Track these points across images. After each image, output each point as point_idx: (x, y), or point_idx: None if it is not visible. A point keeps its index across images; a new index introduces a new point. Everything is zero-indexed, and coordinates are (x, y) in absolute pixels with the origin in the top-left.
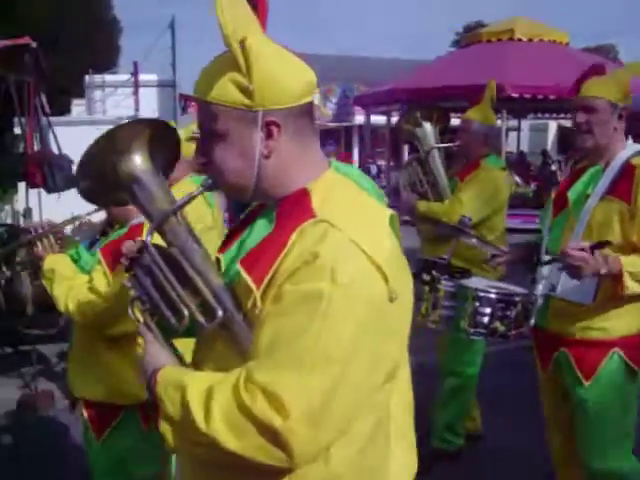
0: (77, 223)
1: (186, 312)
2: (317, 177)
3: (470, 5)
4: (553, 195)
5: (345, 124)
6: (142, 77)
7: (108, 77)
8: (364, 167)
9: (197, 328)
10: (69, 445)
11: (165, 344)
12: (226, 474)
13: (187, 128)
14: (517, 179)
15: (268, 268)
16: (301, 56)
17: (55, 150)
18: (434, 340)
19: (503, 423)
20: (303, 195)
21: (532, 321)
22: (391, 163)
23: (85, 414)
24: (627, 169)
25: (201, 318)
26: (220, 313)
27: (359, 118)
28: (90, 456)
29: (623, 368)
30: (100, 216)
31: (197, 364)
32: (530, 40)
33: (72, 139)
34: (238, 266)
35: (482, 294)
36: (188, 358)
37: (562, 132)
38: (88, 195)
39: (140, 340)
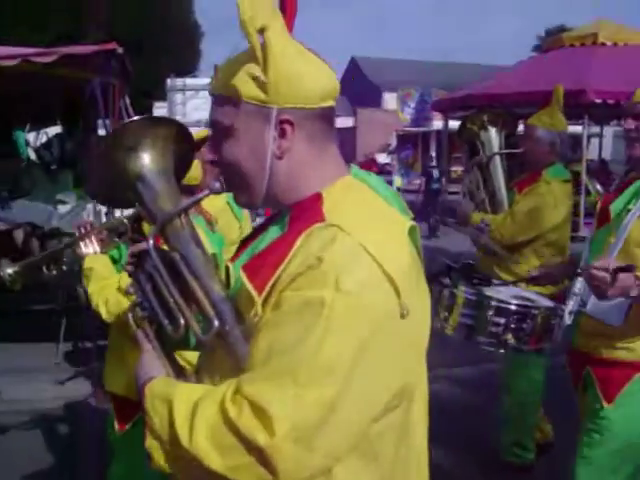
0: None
1: (182, 321)
2: (333, 183)
3: (553, 9)
4: (598, 207)
5: (423, 129)
6: None
7: (189, 81)
8: (428, 172)
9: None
10: None
11: (162, 354)
12: None
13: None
14: (598, 187)
15: (271, 274)
16: (378, 60)
17: None
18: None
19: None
20: (315, 200)
21: (556, 337)
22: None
23: (112, 406)
24: None
25: (197, 328)
26: (216, 323)
27: (437, 123)
28: (112, 447)
29: None
30: None
31: (198, 377)
32: (615, 44)
33: None
34: (240, 272)
35: (495, 303)
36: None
37: None
38: (101, 196)
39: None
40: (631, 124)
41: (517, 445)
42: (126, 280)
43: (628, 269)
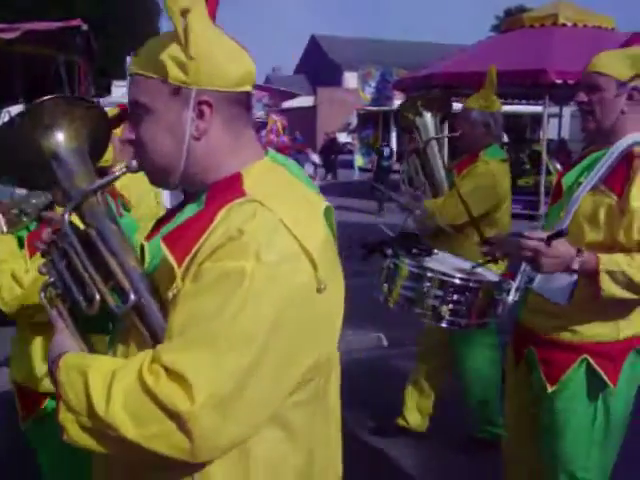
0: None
1: (97, 296)
2: (252, 164)
3: None
4: (554, 183)
5: (384, 108)
6: None
7: None
8: (380, 150)
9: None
10: None
11: (77, 333)
12: (137, 471)
13: None
14: (558, 166)
15: (191, 247)
16: (338, 39)
17: None
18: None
19: None
20: (235, 179)
21: (500, 313)
22: None
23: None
24: (626, 157)
25: (112, 302)
26: (132, 297)
27: (398, 103)
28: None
29: (591, 378)
30: None
31: (113, 352)
32: (575, 25)
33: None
34: (161, 244)
35: (433, 275)
36: None
37: None
38: (15, 177)
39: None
40: (583, 97)
41: (486, 422)
42: (21, 266)
43: (559, 234)
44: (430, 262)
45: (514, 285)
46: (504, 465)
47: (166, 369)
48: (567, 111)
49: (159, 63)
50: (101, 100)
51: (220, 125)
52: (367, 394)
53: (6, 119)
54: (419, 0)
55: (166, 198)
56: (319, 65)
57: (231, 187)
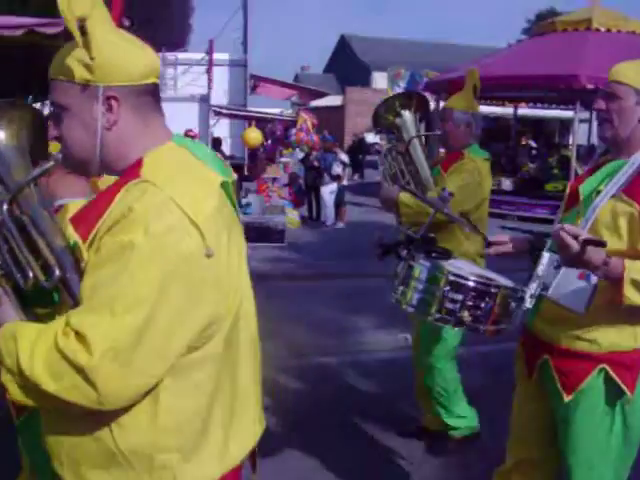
0: None
1: (31, 273)
2: (156, 148)
3: None
4: (567, 189)
5: None
6: (214, 56)
7: (181, 55)
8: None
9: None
10: None
11: (19, 307)
12: (65, 422)
13: None
14: None
15: (94, 224)
16: (368, 39)
17: None
18: None
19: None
20: (137, 163)
21: (515, 320)
22: None
23: None
24: None
25: (42, 277)
26: (57, 272)
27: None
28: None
29: (609, 387)
30: None
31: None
32: (608, 30)
33: None
34: (67, 223)
35: (453, 278)
36: None
37: None
38: None
39: None
40: (601, 104)
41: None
42: None
43: (599, 244)
44: (448, 266)
45: (529, 292)
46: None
47: (74, 330)
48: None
49: (67, 66)
50: None
51: (128, 115)
52: (391, 395)
53: (46, 111)
54: (450, 1)
55: None
56: (348, 65)
57: (132, 170)
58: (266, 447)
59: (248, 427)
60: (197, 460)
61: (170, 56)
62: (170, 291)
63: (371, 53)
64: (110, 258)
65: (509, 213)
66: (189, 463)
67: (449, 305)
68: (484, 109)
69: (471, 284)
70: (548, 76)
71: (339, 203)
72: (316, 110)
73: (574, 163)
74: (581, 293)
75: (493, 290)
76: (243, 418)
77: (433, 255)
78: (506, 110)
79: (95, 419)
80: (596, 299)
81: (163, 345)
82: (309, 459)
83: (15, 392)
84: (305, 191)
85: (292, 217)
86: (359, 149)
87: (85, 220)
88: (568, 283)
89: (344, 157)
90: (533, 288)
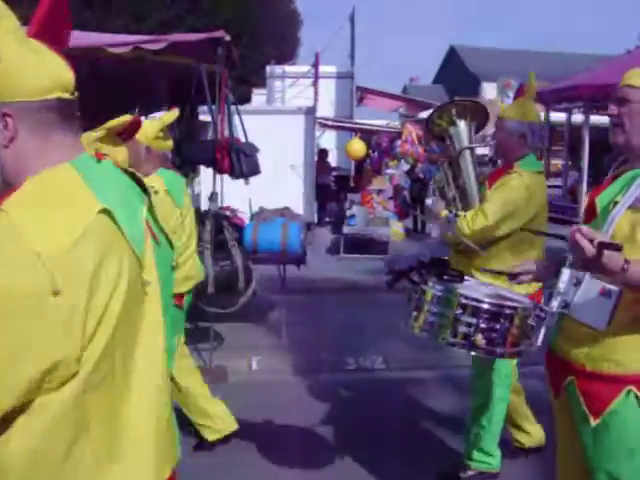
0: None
1: None
2: (45, 169)
3: None
4: (586, 201)
5: None
6: (321, 68)
7: (288, 68)
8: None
9: None
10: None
11: None
12: None
13: (159, 120)
14: None
15: None
16: (478, 50)
17: (242, 138)
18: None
19: None
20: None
21: (538, 340)
22: (569, 162)
23: None
24: None
25: None
26: None
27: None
28: None
29: (636, 409)
30: None
31: None
32: None
33: (252, 127)
34: None
35: (465, 300)
36: None
37: None
38: None
39: None
40: (614, 109)
41: (478, 449)
42: None
43: (615, 247)
44: (461, 289)
45: (551, 310)
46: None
47: None
48: None
49: None
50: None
51: (26, 133)
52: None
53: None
54: (561, 10)
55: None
56: (457, 76)
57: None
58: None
59: (139, 470)
60: None
61: (278, 69)
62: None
63: (480, 63)
64: None
65: None
66: None
67: (463, 329)
68: (596, 119)
69: (484, 306)
70: None
71: None
72: (424, 122)
73: None
74: (602, 309)
75: (508, 311)
76: (129, 460)
77: (445, 278)
78: None
79: None
80: (619, 315)
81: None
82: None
83: None
84: (410, 203)
85: (396, 229)
86: None
87: None
88: (589, 299)
89: None
90: (555, 306)
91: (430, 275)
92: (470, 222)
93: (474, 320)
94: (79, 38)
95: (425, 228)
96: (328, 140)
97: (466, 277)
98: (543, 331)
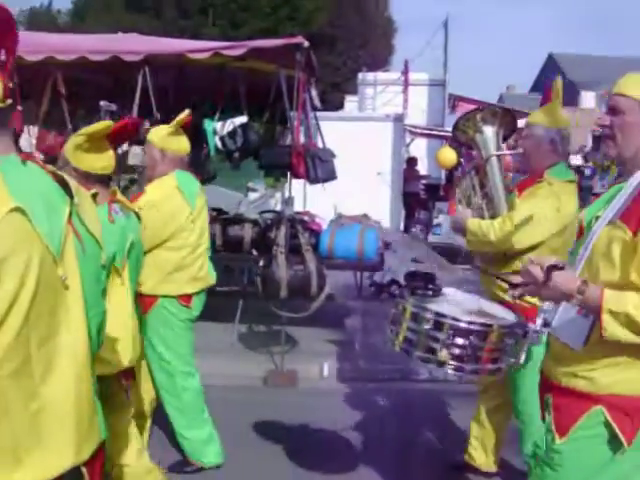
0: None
1: None
2: None
3: None
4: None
5: None
6: (413, 75)
7: (380, 75)
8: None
9: None
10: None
11: None
12: None
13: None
14: None
15: None
16: (577, 57)
17: (320, 144)
18: None
19: None
20: None
21: (521, 358)
22: None
23: None
24: None
25: None
26: None
27: None
28: None
29: (606, 432)
30: None
31: None
32: None
33: (343, 133)
34: None
35: (432, 316)
36: None
37: None
38: None
39: None
40: (606, 120)
41: None
42: None
43: (556, 267)
44: (435, 302)
45: (532, 328)
46: None
47: None
48: None
49: None
50: (327, 114)
51: None
52: None
53: (230, 128)
54: None
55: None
56: None
57: None
58: None
59: (56, 450)
60: None
61: (369, 76)
62: None
63: (579, 71)
64: None
65: None
66: None
67: (432, 344)
68: None
69: (451, 322)
70: None
71: None
72: (520, 130)
73: None
74: (580, 328)
75: (477, 328)
76: (49, 438)
77: (418, 292)
78: None
79: None
80: (596, 335)
81: None
82: None
83: None
84: None
85: None
86: None
87: None
88: (568, 319)
89: None
90: (538, 325)
91: (407, 289)
92: (497, 229)
93: (441, 335)
94: (163, 44)
95: None
96: (418, 148)
97: (448, 291)
98: (526, 349)
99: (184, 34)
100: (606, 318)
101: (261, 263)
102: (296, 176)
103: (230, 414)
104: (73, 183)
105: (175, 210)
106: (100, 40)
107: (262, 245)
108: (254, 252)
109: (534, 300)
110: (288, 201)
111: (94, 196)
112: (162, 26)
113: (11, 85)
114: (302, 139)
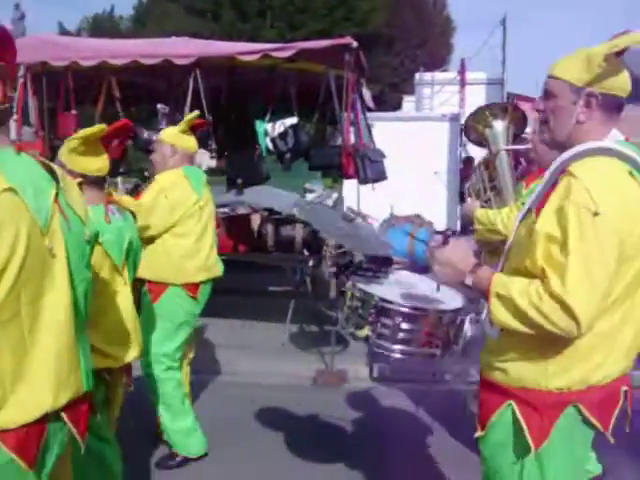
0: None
1: None
2: None
3: None
4: None
5: None
6: (471, 75)
7: (437, 75)
8: None
9: None
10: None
11: None
12: None
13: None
14: None
15: None
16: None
17: (370, 143)
18: None
19: None
20: None
21: (458, 346)
22: None
23: None
24: (559, 175)
25: None
26: None
27: None
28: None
29: (514, 427)
30: None
31: None
32: None
33: (400, 134)
34: None
35: (358, 294)
36: None
37: None
38: None
39: None
40: (540, 104)
41: None
42: None
43: (450, 235)
44: (374, 283)
45: (468, 317)
46: None
47: None
48: None
49: None
50: (383, 115)
51: None
52: None
53: (281, 130)
54: None
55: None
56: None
57: None
58: None
59: (37, 392)
60: None
61: (426, 76)
62: None
63: None
64: None
65: None
66: None
67: (359, 320)
68: None
69: (372, 301)
70: None
71: None
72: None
73: None
74: None
75: (404, 310)
76: (31, 378)
77: (359, 273)
78: None
79: None
80: None
81: None
82: None
83: None
84: None
85: None
86: None
87: None
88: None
89: None
90: (471, 316)
91: (356, 272)
92: (505, 217)
93: (363, 312)
94: (214, 47)
95: None
96: (475, 147)
97: (402, 274)
98: (464, 337)
99: (242, 37)
100: (494, 302)
101: (310, 263)
102: (346, 176)
103: (279, 413)
104: (60, 171)
105: (182, 196)
106: (152, 44)
107: (314, 245)
108: (305, 252)
109: None
110: (337, 201)
111: (80, 185)
112: (220, 29)
113: (10, 94)
114: (352, 139)
